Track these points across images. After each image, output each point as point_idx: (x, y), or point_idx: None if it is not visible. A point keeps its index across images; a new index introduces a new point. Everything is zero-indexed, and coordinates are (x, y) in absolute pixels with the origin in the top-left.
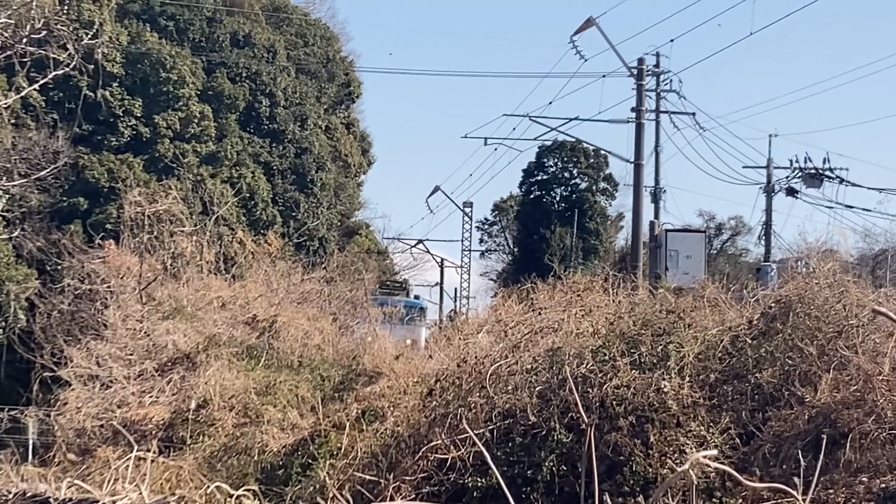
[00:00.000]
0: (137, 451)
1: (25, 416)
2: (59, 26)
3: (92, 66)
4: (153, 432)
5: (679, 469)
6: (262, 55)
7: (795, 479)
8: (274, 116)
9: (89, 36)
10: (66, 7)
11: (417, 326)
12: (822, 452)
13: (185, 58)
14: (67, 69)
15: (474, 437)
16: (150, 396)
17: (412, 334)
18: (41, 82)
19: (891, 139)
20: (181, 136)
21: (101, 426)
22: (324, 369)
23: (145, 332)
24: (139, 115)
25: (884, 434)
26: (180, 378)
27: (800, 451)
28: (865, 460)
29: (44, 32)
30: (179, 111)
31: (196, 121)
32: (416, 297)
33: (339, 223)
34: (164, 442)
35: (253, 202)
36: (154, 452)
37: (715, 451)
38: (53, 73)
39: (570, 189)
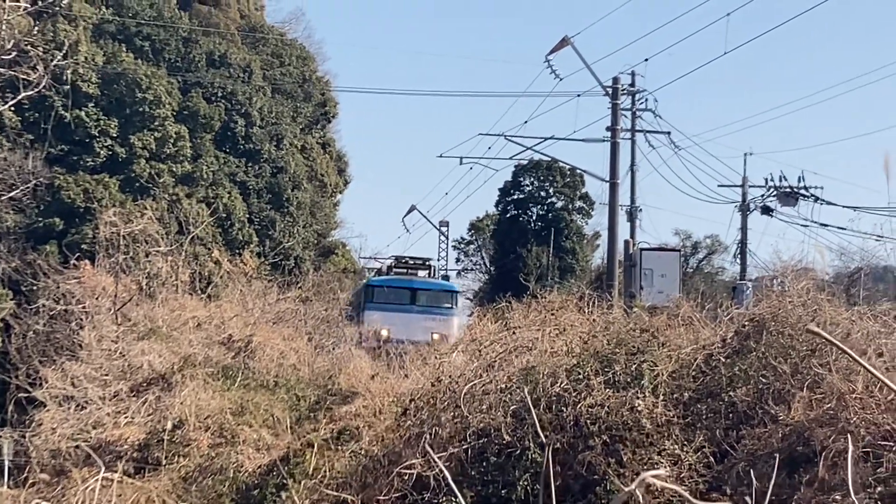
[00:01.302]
0: (106, 472)
1: (0, 437)
2: (29, 46)
3: (67, 87)
4: (128, 453)
5: (626, 489)
6: (238, 75)
7: (747, 498)
8: (250, 136)
9: (59, 56)
10: (40, 27)
11: (447, 316)
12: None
13: (161, 78)
14: (38, 90)
15: (435, 459)
16: (126, 417)
17: (441, 326)
18: (12, 103)
19: (864, 157)
20: (157, 156)
21: (77, 447)
22: (299, 389)
23: (120, 353)
24: (115, 135)
25: (857, 452)
26: (155, 399)
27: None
28: (839, 478)
29: (13, 53)
30: (155, 131)
31: (172, 141)
32: (445, 278)
33: (315, 242)
34: (139, 463)
35: (229, 222)
36: (124, 473)
37: (664, 471)
38: (24, 94)
39: (546, 208)
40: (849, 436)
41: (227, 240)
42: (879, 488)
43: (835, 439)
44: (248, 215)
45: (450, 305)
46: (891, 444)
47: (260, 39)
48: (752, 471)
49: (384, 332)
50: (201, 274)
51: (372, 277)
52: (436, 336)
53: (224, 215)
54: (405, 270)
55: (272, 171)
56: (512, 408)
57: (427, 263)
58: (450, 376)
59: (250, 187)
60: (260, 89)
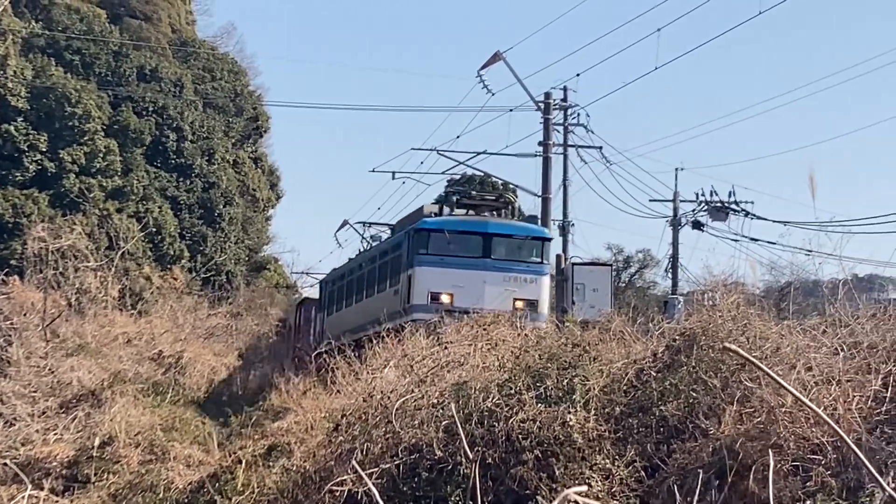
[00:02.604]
0: (33, 489)
1: None
2: None
3: None
4: (57, 470)
5: None
6: (169, 89)
7: None
8: (181, 151)
9: None
10: None
11: (536, 274)
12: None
13: (91, 92)
14: None
15: (364, 476)
16: (54, 434)
17: (528, 289)
18: None
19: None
20: (87, 171)
21: (4, 464)
22: (230, 404)
23: (49, 369)
24: (44, 149)
25: (787, 466)
26: (85, 415)
27: (704, 483)
28: (769, 493)
29: None
30: (85, 146)
31: (102, 155)
32: (532, 220)
33: (246, 258)
34: (68, 480)
35: (160, 237)
36: (52, 491)
37: (585, 487)
38: None
39: None
40: (770, 452)
41: (157, 255)
42: (808, 502)
43: (764, 453)
44: (179, 230)
45: (539, 260)
46: (820, 457)
47: (191, 54)
48: (682, 485)
49: (444, 298)
50: (132, 289)
51: (425, 217)
52: (519, 304)
53: (155, 230)
54: (473, 208)
55: (204, 186)
56: (444, 423)
57: (504, 199)
58: (381, 391)
59: (181, 202)
60: (191, 103)
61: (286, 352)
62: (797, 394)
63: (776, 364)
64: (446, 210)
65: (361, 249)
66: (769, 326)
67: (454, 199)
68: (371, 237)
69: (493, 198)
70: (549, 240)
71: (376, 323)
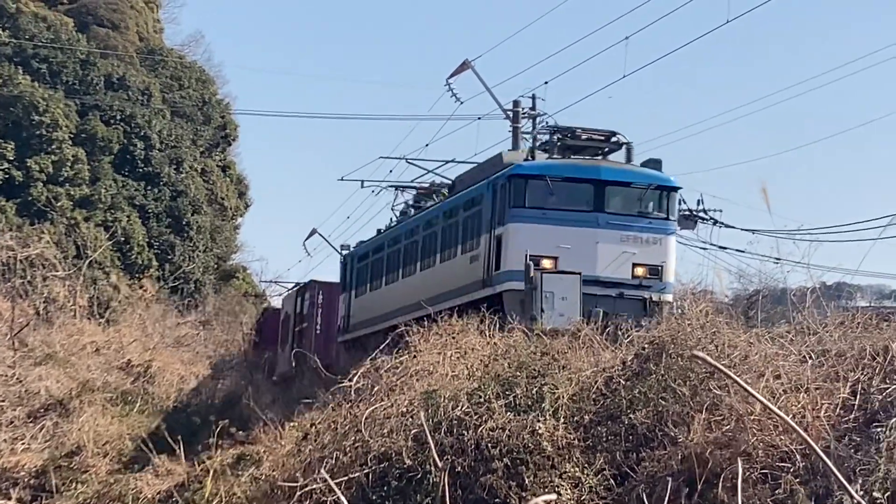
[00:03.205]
0: (0, 499)
1: None
2: None
3: None
4: (25, 480)
5: None
6: (137, 98)
7: None
8: (149, 159)
9: None
10: None
11: (660, 233)
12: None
13: (59, 100)
14: None
15: (333, 486)
16: (22, 443)
17: (651, 252)
18: None
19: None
20: (54, 180)
21: None
22: (200, 414)
23: (17, 379)
24: (11, 158)
25: (756, 474)
26: (53, 425)
27: (674, 492)
28: (738, 500)
29: None
30: (52, 154)
31: (69, 164)
32: (655, 164)
33: (215, 266)
34: (36, 490)
35: (128, 246)
36: (19, 501)
37: (555, 496)
38: None
39: None
40: (739, 460)
41: (126, 264)
42: None
43: (733, 461)
44: (147, 239)
45: (665, 215)
46: (789, 465)
47: (159, 62)
48: (652, 493)
49: (546, 263)
50: (100, 298)
51: (521, 162)
52: (640, 270)
53: (123, 239)
54: (575, 152)
55: (172, 195)
56: (413, 432)
57: (616, 139)
58: (350, 400)
59: (150, 211)
60: (159, 112)
61: (267, 359)
62: (766, 402)
63: (745, 372)
64: (540, 157)
65: (393, 221)
66: (738, 334)
67: (555, 139)
68: (409, 204)
69: (603, 137)
70: (677, 189)
71: (440, 300)
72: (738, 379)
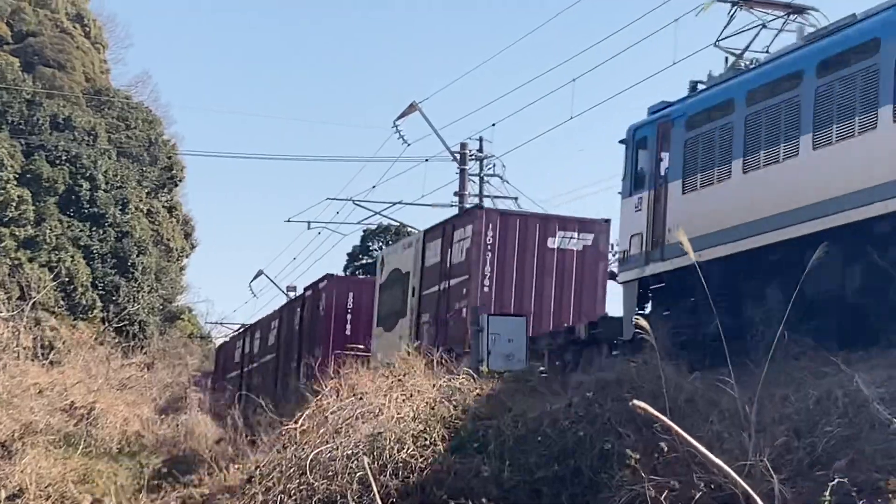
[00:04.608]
0: None
1: None
2: None
3: None
4: None
5: None
6: (83, 138)
7: None
8: (94, 200)
9: None
10: None
11: None
12: None
13: (3, 140)
14: None
15: None
16: None
17: None
18: None
19: None
20: None
21: None
22: (143, 456)
23: None
24: None
25: None
26: None
27: None
28: None
29: None
30: None
31: (14, 204)
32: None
33: (160, 307)
34: None
35: (72, 286)
36: None
37: None
38: None
39: None
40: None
41: (70, 305)
42: None
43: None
44: (91, 280)
45: None
46: None
47: (105, 102)
48: None
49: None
50: (43, 340)
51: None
52: None
53: (67, 280)
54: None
55: (117, 236)
56: (358, 474)
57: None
58: (296, 443)
59: (94, 251)
60: (105, 152)
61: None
62: (704, 450)
63: (690, 414)
64: None
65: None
66: (684, 376)
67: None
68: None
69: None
70: None
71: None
72: (678, 428)
